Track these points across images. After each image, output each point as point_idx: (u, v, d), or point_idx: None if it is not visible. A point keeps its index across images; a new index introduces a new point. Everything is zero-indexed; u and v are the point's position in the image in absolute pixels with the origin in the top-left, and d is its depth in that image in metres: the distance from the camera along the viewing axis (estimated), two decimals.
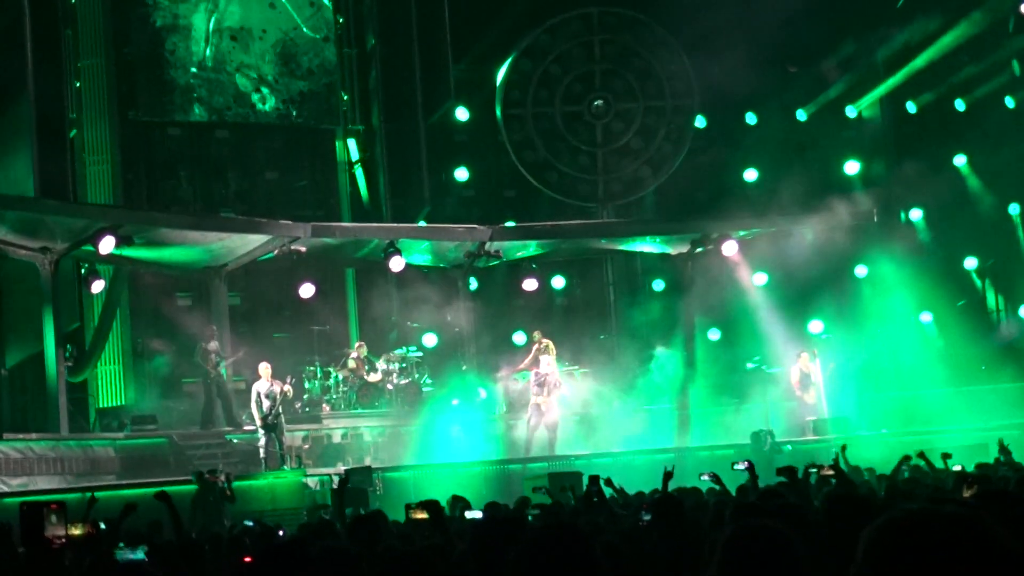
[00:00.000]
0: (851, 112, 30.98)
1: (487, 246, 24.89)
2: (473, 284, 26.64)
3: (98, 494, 12.08)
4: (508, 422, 24.30)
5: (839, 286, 27.70)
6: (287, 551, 5.48)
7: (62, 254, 21.64)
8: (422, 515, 7.67)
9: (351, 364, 24.23)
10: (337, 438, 23.20)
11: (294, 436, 22.38)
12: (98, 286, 22.84)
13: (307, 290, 24.67)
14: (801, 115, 30.70)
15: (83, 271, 23.52)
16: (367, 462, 21.27)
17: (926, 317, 29.32)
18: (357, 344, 25.19)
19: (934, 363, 27.11)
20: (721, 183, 29.42)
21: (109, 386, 25.13)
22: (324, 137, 28.77)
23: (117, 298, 24.44)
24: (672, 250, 26.76)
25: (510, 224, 26.85)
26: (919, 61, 29.27)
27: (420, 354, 25.44)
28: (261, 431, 21.21)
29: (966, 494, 8.16)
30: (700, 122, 30.09)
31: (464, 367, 25.61)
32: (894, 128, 31.30)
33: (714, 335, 28.36)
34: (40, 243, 21.47)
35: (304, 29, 27.93)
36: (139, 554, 7.02)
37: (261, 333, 25.93)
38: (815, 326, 27.68)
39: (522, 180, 29.24)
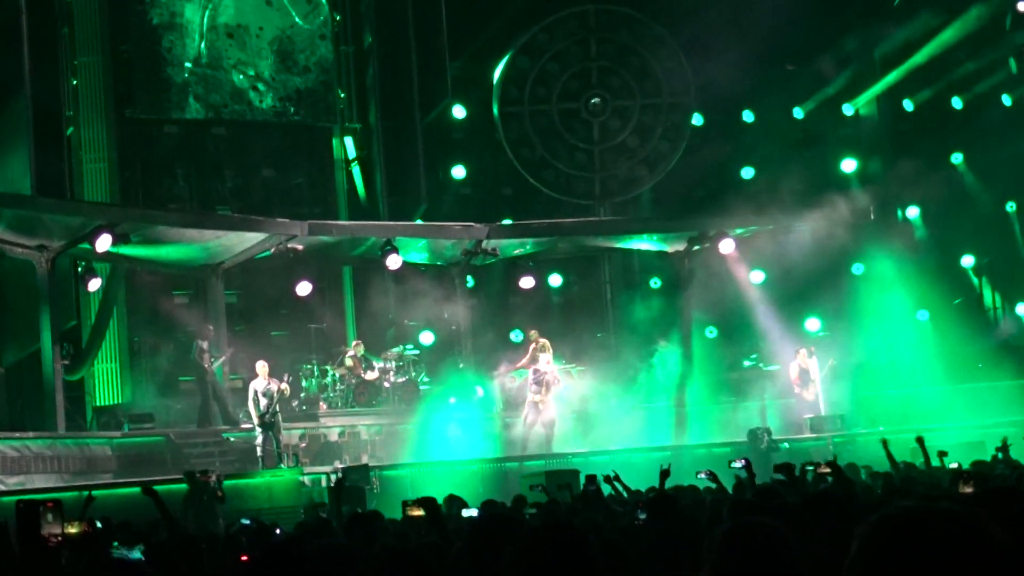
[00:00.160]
0: (848, 110, 30.98)
1: (484, 244, 24.89)
2: (470, 282, 26.61)
3: (95, 492, 12.07)
4: (505, 420, 24.28)
5: (836, 284, 27.66)
6: (284, 549, 5.47)
7: (59, 252, 21.63)
8: (418, 512, 7.65)
9: (348, 362, 24.22)
10: (334, 436, 23.18)
11: (291, 434, 22.37)
12: (95, 284, 22.87)
13: (304, 288, 24.67)
14: (798, 113, 30.70)
15: (80, 269, 23.53)
16: (364, 460, 21.28)
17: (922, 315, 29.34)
18: (354, 342, 25.18)
19: (931, 361, 27.10)
20: (718, 181, 29.45)
21: (106, 384, 25.10)
22: (321, 135, 28.74)
23: (114, 296, 24.41)
24: (669, 248, 26.75)
25: (507, 222, 26.82)
26: (916, 58, 29.28)
27: (417, 352, 25.46)
28: (258, 429, 21.21)
29: (963, 491, 8.15)
30: (697, 120, 30.08)
31: (461, 365, 25.60)
32: (891, 126, 31.30)
33: (711, 333, 28.36)
34: (37, 241, 21.45)
35: (301, 26, 27.91)
36: (136, 553, 7.02)
37: (258, 331, 25.94)
38: (812, 324, 27.73)
39: (519, 178, 29.23)
